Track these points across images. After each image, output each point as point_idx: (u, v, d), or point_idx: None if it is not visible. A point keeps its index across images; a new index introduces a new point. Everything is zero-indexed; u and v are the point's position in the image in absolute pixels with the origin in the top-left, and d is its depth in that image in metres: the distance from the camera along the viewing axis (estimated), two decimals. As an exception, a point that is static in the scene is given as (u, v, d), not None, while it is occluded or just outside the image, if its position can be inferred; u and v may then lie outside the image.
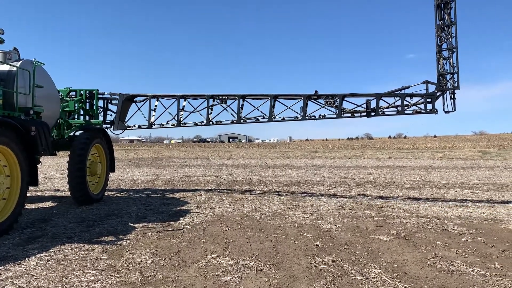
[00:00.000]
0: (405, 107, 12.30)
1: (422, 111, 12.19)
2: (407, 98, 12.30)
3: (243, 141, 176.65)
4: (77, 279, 5.14)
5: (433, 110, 12.09)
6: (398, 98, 12.33)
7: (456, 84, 11.80)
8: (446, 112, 12.02)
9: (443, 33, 11.91)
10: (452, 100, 11.90)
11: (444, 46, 11.93)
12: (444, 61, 11.94)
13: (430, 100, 12.11)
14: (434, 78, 12.06)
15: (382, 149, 68.98)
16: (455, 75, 11.79)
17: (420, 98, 12.18)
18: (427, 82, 12.11)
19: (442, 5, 11.84)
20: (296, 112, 12.90)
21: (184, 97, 13.60)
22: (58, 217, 9.23)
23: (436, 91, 12.00)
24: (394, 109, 12.51)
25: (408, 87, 12.26)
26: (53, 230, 7.90)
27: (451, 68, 11.82)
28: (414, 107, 12.33)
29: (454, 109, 11.91)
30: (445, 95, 11.99)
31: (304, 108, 12.75)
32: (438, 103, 12.10)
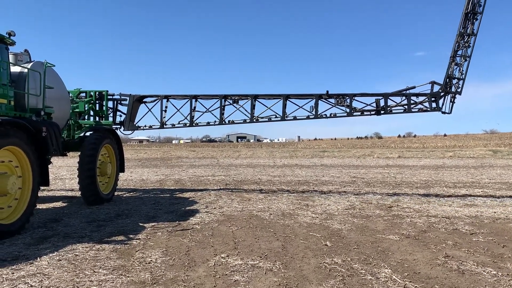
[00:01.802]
0: (412, 106, 12.97)
1: (428, 109, 12.92)
2: (413, 97, 12.99)
3: (251, 140, 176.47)
4: (88, 278, 5.18)
5: (438, 108, 12.79)
6: (404, 97, 13.03)
7: (459, 90, 12.55)
8: (443, 113, 12.82)
9: (462, 41, 12.42)
10: (451, 103, 12.71)
11: (460, 52, 12.49)
12: (455, 66, 12.56)
13: (435, 99, 12.78)
14: (441, 78, 12.69)
15: (392, 148, 68.55)
16: (461, 82, 12.52)
17: (425, 97, 12.88)
18: (433, 83, 12.79)
19: (470, 15, 12.27)
20: (308, 111, 13.35)
21: (196, 97, 13.80)
22: (69, 217, 9.32)
23: (440, 91, 12.68)
24: (401, 107, 13.15)
25: (414, 87, 12.95)
26: (64, 230, 7.98)
27: (460, 74, 12.52)
28: (420, 106, 13.04)
29: (451, 112, 12.76)
30: (446, 97, 12.72)
31: (315, 107, 13.21)
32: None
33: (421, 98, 12.99)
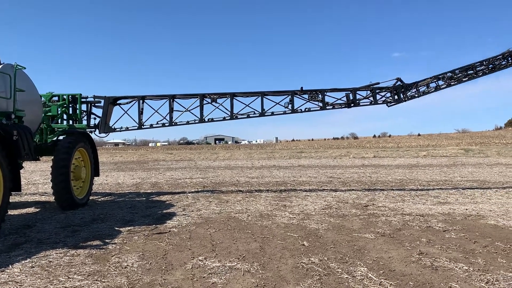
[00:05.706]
0: (377, 98, 14.35)
1: (391, 100, 14.36)
2: (378, 91, 14.35)
3: (229, 142, 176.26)
4: (63, 284, 5.08)
5: (399, 100, 14.33)
6: (370, 91, 14.34)
7: (408, 100, 14.47)
8: (387, 104, 14.51)
9: (434, 81, 14.35)
10: (395, 102, 14.38)
11: (432, 85, 14.42)
12: (422, 87, 14.50)
13: (396, 92, 14.27)
14: (412, 78, 14.71)
15: (367, 148, 69.58)
16: (415, 98, 14.53)
17: (388, 91, 14.32)
18: (398, 79, 14.20)
19: (447, 78, 14.23)
20: (284, 106, 14.13)
21: (174, 97, 13.91)
22: (43, 223, 9.11)
23: (401, 85, 14.21)
24: (368, 100, 14.43)
25: (378, 83, 14.31)
26: (37, 236, 7.80)
27: (419, 94, 14.48)
28: (383, 98, 14.47)
29: (389, 107, 14.57)
30: (400, 94, 14.44)
31: (291, 103, 14.02)
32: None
33: (385, 91, 14.49)
